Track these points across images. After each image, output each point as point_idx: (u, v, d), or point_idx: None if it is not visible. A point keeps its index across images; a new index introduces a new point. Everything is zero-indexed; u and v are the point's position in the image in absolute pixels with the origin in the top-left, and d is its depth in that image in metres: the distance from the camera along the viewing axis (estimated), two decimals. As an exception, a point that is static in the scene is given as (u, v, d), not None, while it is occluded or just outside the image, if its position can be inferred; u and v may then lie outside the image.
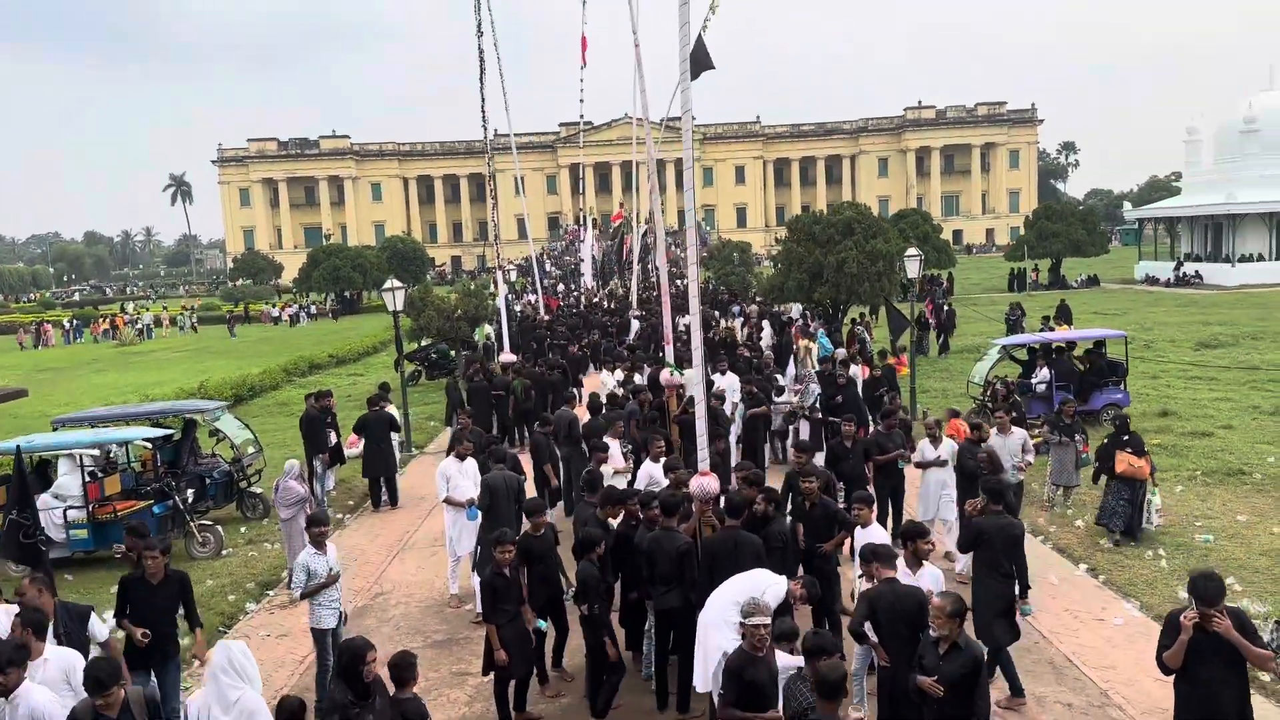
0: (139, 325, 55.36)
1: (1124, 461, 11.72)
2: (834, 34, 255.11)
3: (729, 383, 15.75)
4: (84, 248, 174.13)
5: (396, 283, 18.65)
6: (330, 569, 8.29)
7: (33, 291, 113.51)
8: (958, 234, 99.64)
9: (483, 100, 19.02)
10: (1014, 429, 11.59)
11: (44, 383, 34.61)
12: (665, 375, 11.57)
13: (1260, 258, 50.96)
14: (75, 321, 59.84)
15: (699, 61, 9.45)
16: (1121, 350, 19.79)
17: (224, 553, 12.83)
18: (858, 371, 19.38)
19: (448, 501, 10.67)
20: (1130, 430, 12.40)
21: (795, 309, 30.77)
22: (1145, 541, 11.68)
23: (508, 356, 18.83)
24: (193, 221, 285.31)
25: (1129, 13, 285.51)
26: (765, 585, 6.76)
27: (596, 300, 41.16)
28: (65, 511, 12.17)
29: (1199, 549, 11.35)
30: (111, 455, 13.77)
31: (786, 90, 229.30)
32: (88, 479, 12.22)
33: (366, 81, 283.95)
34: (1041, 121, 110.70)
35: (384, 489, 14.87)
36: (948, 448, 11.25)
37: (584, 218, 51.26)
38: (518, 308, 38.90)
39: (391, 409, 15.51)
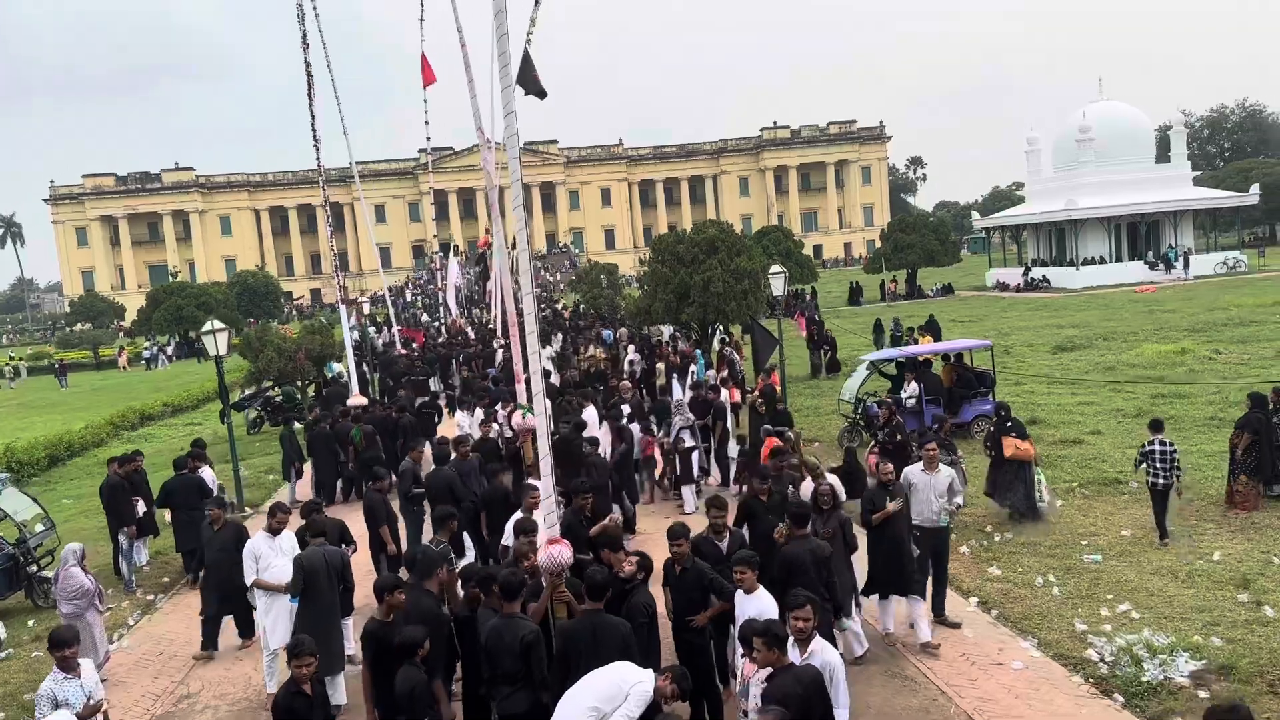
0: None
1: (1011, 445, 12.57)
2: (695, 56, 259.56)
3: (591, 416, 14.57)
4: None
5: (218, 324, 16.70)
6: (88, 697, 6.65)
7: None
8: (818, 249, 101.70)
9: (312, 118, 17.32)
10: (941, 466, 9.92)
11: None
12: (517, 418, 10.32)
13: (1102, 260, 53.22)
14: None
15: (529, 82, 8.94)
16: (987, 360, 19.59)
17: (1, 655, 10.82)
18: (726, 396, 18.52)
19: (257, 585, 9.08)
20: (1013, 417, 13.49)
21: (666, 331, 29.96)
22: (1034, 565, 11.06)
23: (356, 399, 17.12)
24: (28, 264, 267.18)
25: (962, 35, 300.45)
26: (628, 685, 5.57)
27: (460, 331, 39.42)
28: None
29: (1089, 572, 10.76)
30: None
31: (649, 112, 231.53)
32: None
33: (209, 115, 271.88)
34: (890, 138, 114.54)
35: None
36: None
37: (446, 244, 49.40)
38: (380, 342, 36.89)
39: (206, 471, 13.66)
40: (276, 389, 26.25)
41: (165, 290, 63.23)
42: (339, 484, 17.09)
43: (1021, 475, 12.56)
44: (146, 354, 60.89)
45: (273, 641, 8.91)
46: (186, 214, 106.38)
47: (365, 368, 28.14)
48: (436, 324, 43.60)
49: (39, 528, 12.65)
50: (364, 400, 17.04)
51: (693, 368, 22.54)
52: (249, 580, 9.05)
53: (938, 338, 27.23)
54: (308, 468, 17.54)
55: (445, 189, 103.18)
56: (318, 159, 18.26)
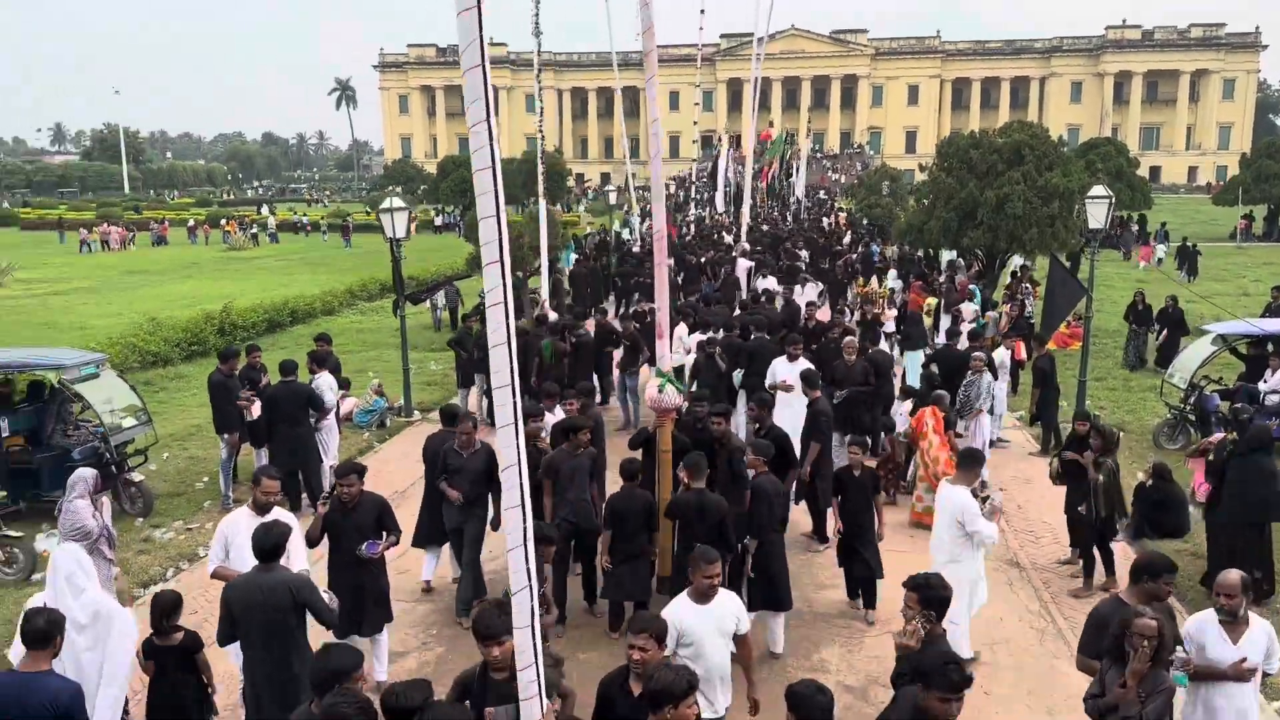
0: (251, 230, 54.07)
1: None
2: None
3: (790, 371, 10.93)
4: (259, 148, 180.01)
5: (398, 202, 14.53)
6: None
7: (209, 189, 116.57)
8: (1155, 171, 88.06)
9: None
10: None
11: (114, 287, 32.91)
12: (652, 390, 7.05)
13: None
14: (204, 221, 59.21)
15: None
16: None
17: (35, 577, 9.16)
18: (1004, 357, 14.12)
19: (217, 575, 6.53)
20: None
21: (945, 257, 25.13)
22: None
23: (550, 312, 14.47)
24: (363, 127, 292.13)
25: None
26: None
27: (717, 229, 36.15)
28: None
29: None
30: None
31: (972, 4, 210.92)
32: None
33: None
34: (1265, 47, 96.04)
35: (303, 486, 10.89)
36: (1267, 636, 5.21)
37: (721, 137, 45.93)
38: (627, 235, 34.49)
39: (323, 377, 11.46)
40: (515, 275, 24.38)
41: (454, 161, 64.45)
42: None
43: None
44: (439, 220, 62.76)
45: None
46: (496, 90, 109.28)
47: (600, 265, 25.67)
48: (689, 220, 40.48)
49: (129, 421, 11.00)
50: (553, 314, 14.40)
51: (968, 308, 18.05)
52: (211, 568, 6.50)
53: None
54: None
55: (740, 78, 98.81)
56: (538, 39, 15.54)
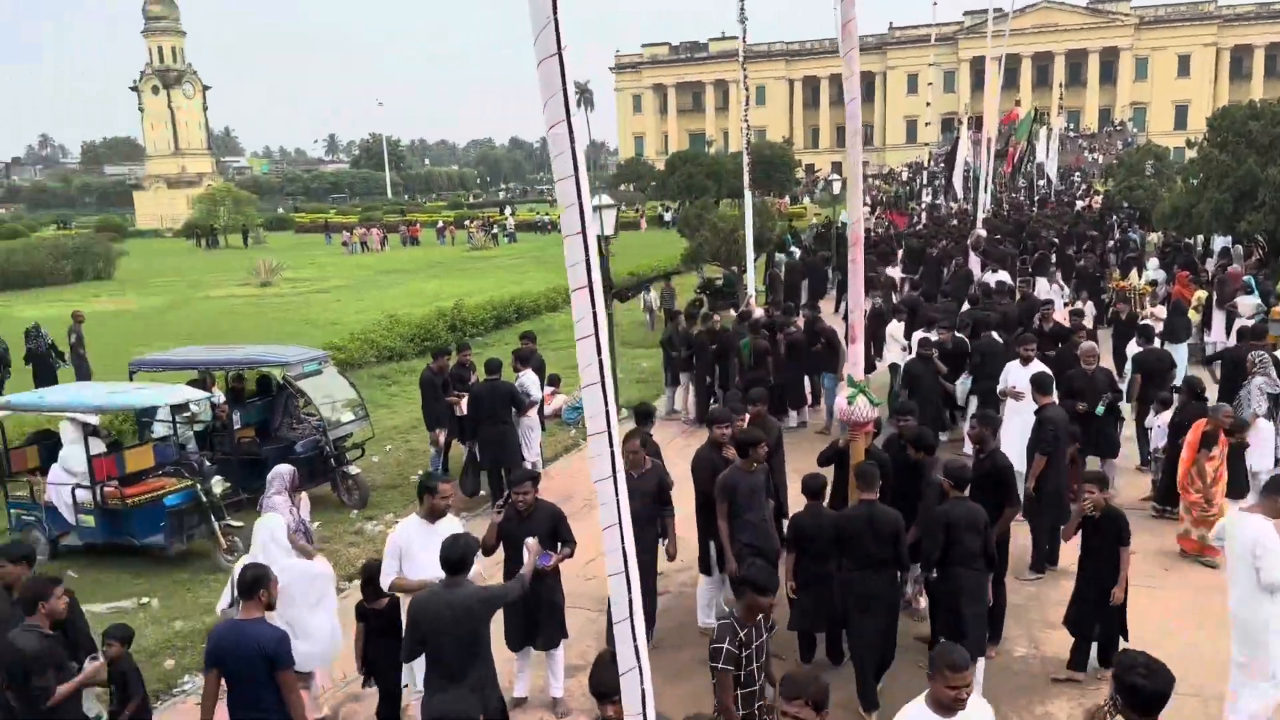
0: (493, 230, 56.58)
1: None
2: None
3: (1018, 376, 9.71)
4: (505, 152, 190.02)
5: (607, 199, 14.39)
6: None
7: (460, 192, 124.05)
8: None
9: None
10: None
11: (369, 285, 35.30)
12: (841, 403, 6.34)
13: None
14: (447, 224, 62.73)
15: None
16: None
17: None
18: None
19: (395, 588, 6.35)
20: None
21: (1218, 243, 22.23)
22: None
23: (754, 309, 13.87)
24: (599, 128, 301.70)
25: None
26: None
27: (954, 216, 34.06)
28: (74, 491, 9.61)
29: None
30: (194, 412, 11.10)
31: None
32: (94, 451, 9.52)
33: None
34: None
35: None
36: None
37: (962, 119, 43.41)
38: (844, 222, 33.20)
39: (526, 375, 11.42)
40: (729, 274, 24.00)
41: (681, 158, 64.94)
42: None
43: None
44: (667, 216, 63.54)
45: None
46: (726, 84, 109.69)
47: (819, 258, 24.74)
48: (921, 208, 38.38)
49: (348, 416, 11.43)
50: (758, 310, 13.80)
51: (1246, 302, 15.87)
52: (386, 582, 6.37)
53: None
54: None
55: (985, 56, 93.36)
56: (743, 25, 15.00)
